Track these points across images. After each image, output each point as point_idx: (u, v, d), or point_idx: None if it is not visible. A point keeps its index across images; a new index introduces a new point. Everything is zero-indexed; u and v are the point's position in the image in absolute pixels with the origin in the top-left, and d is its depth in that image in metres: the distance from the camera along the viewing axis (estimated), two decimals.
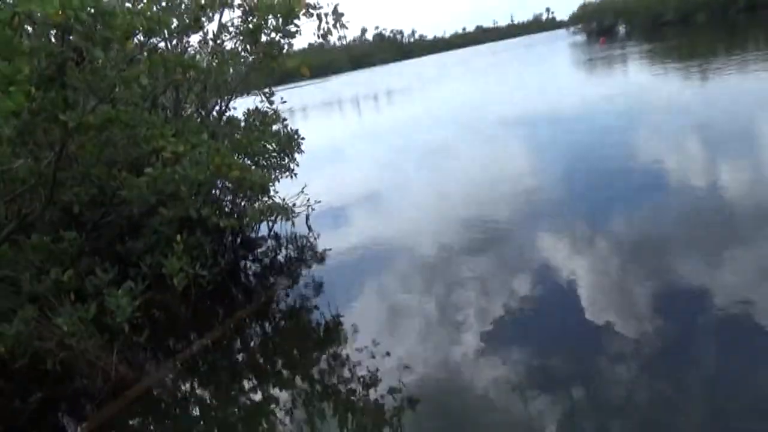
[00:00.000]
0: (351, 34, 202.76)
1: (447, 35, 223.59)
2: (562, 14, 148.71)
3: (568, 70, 32.08)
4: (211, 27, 7.63)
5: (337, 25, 6.68)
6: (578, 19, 78.43)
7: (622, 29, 70.46)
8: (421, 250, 7.39)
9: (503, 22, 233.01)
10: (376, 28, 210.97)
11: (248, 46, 7.16)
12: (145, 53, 5.91)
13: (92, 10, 4.39)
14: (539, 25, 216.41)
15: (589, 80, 24.42)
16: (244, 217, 6.97)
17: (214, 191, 7.82)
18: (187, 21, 6.07)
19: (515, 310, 5.25)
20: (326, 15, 6.82)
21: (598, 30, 69.79)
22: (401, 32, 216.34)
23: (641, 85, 18.32)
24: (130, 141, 5.92)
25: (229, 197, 8.46)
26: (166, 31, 5.92)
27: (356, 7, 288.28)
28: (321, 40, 6.94)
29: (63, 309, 5.02)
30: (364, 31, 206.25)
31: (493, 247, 7.00)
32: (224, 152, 6.13)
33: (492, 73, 41.10)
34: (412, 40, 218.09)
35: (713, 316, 4.48)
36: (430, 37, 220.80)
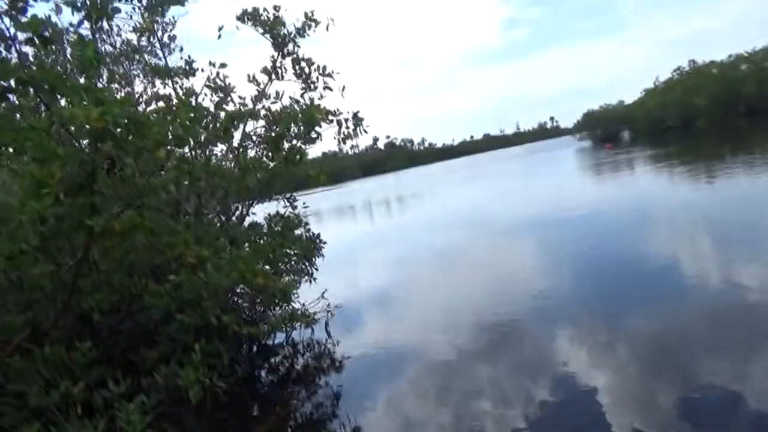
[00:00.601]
0: (363, 143, 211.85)
1: (455, 143, 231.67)
2: (566, 122, 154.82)
3: (582, 174, 32.74)
4: (236, 135, 7.90)
5: (358, 129, 6.84)
6: (583, 126, 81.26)
7: (626, 135, 72.74)
8: (438, 356, 7.19)
9: (509, 130, 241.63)
10: (387, 137, 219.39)
11: (271, 153, 7.31)
12: (174, 162, 6.02)
13: (126, 120, 4.50)
14: (545, 133, 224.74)
15: (603, 183, 24.84)
16: (264, 325, 6.74)
17: (232, 297, 7.64)
18: (216, 132, 6.22)
19: (529, 419, 5.06)
20: (346, 120, 7.00)
21: (604, 136, 72.05)
22: (411, 141, 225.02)
23: (655, 189, 18.65)
24: (153, 247, 5.86)
25: (246, 303, 8.27)
26: (192, 141, 6.07)
27: (369, 119, 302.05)
28: (342, 144, 7.09)
29: (70, 425, 4.71)
30: (375, 140, 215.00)
31: (506, 352, 6.87)
32: (248, 258, 6.04)
33: (505, 179, 41.95)
34: (421, 147, 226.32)
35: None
36: (439, 144, 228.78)
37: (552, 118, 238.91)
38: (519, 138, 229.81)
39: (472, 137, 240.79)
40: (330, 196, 66.08)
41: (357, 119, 6.77)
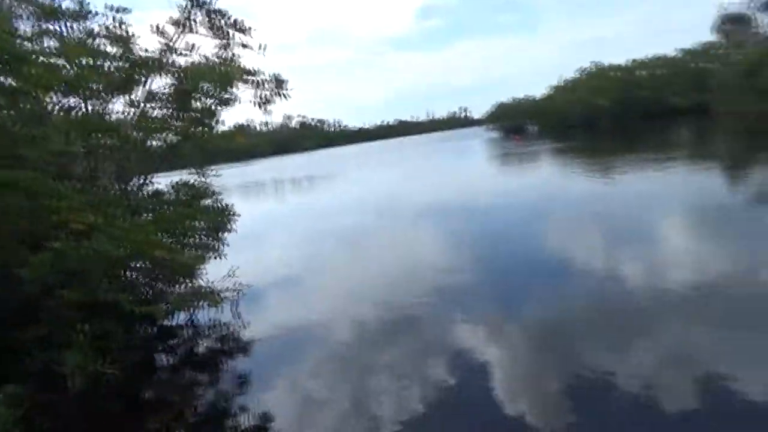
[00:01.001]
0: (274, 120, 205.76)
1: (369, 126, 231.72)
2: (477, 113, 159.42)
3: (490, 163, 33.58)
4: (139, 93, 7.01)
5: (280, 93, 6.21)
6: (493, 117, 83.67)
7: (533, 128, 75.81)
8: (344, 338, 7.08)
9: (422, 117, 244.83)
10: (300, 116, 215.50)
11: (179, 114, 6.53)
12: (60, 112, 5.17)
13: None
14: (456, 122, 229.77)
15: (510, 173, 25.54)
16: (164, 304, 6.03)
17: (128, 272, 6.81)
18: (115, 82, 5.40)
19: (426, 399, 5.18)
20: (265, 82, 6.35)
21: (512, 128, 74.62)
22: (325, 121, 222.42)
23: (555, 179, 19.63)
24: (32, 211, 5.01)
25: (145, 280, 7.45)
26: (87, 91, 5.23)
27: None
28: (260, 109, 6.44)
29: None
30: (288, 118, 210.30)
31: (407, 334, 6.96)
32: (147, 228, 5.34)
33: (416, 164, 42.27)
34: (335, 129, 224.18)
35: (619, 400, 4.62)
36: (352, 127, 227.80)
37: (464, 108, 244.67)
38: (431, 125, 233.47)
39: (385, 122, 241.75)
40: (242, 172, 63.81)
41: (278, 82, 6.13)
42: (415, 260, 10.77)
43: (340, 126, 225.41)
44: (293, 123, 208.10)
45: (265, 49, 6.69)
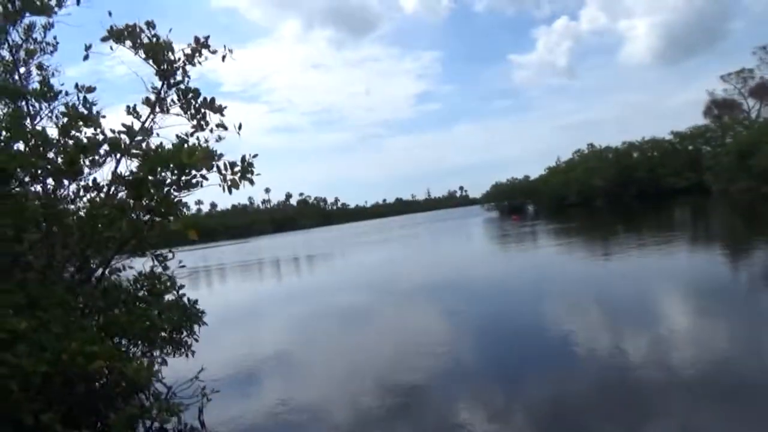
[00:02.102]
0: (275, 198, 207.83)
1: (368, 204, 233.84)
2: (474, 192, 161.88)
3: (490, 245, 33.01)
4: (102, 175, 6.43)
5: (246, 176, 5.58)
6: (491, 197, 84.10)
7: (530, 208, 76.08)
8: None
9: (421, 196, 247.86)
10: (301, 194, 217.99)
11: (143, 200, 5.89)
12: None
13: None
14: (454, 201, 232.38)
15: (510, 254, 24.91)
16: (107, 422, 5.13)
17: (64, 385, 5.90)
18: (59, 165, 4.80)
19: None
20: (231, 165, 5.71)
21: (510, 208, 74.84)
22: (324, 200, 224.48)
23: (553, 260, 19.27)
24: None
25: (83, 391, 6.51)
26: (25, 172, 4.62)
27: (284, 174, 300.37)
28: (228, 193, 5.80)
29: None
30: (288, 196, 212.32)
31: (409, 415, 6.58)
32: (89, 334, 4.56)
33: (416, 244, 41.70)
34: (334, 207, 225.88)
35: None
36: (352, 205, 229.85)
37: (461, 188, 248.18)
38: (430, 204, 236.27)
39: (384, 200, 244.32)
40: (240, 249, 63.31)
41: (245, 165, 5.52)
42: (412, 341, 10.21)
43: (339, 204, 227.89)
44: (293, 201, 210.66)
45: (240, 128, 6.17)
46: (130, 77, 6.56)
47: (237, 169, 5.40)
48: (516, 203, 76.34)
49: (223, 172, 5.39)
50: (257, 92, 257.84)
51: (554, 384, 7.06)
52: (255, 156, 5.75)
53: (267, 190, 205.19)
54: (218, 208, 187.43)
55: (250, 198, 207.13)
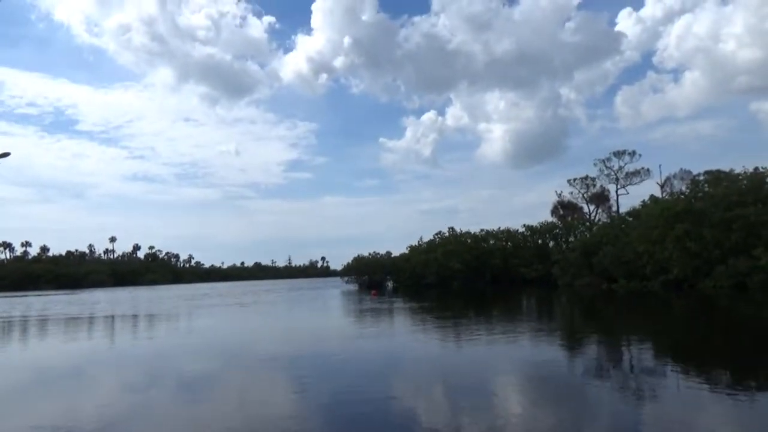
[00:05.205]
0: (121, 248, 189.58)
1: (225, 266, 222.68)
2: (336, 264, 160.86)
3: (345, 319, 31.04)
4: None
5: None
6: (351, 270, 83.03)
7: (389, 284, 75.95)
8: None
9: (281, 263, 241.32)
10: (151, 247, 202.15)
11: None
12: None
13: None
14: (315, 271, 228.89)
15: (365, 330, 23.12)
16: None
17: None
18: None
19: None
20: None
21: (370, 283, 74.05)
22: (177, 256, 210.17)
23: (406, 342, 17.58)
24: None
25: None
26: None
27: (135, 227, 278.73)
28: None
29: None
30: (137, 248, 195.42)
31: None
32: None
33: (268, 312, 38.53)
34: (188, 265, 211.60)
35: None
36: (207, 265, 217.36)
37: (323, 258, 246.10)
38: (290, 271, 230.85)
39: (243, 263, 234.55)
40: (70, 300, 55.01)
41: None
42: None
43: (193, 262, 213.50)
44: (141, 253, 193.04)
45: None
46: None
47: None
48: (376, 278, 75.88)
49: None
50: (118, 135, 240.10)
51: None
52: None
53: (112, 239, 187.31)
54: (50, 253, 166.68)
55: (90, 245, 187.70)
